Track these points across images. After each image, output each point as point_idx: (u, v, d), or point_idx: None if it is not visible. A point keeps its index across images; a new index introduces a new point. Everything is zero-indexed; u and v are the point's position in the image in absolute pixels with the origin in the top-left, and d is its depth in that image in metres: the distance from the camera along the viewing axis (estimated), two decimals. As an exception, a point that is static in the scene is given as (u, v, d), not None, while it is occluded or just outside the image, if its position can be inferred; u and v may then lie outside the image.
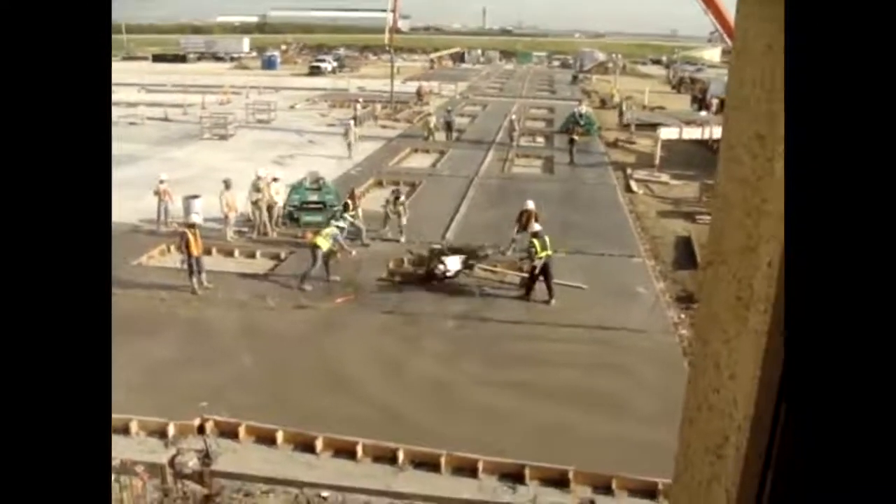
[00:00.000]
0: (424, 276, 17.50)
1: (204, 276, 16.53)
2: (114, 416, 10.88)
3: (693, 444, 1.39)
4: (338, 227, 17.88)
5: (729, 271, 1.26)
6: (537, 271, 16.35)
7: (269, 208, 20.92)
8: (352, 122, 35.62)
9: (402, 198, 21.16)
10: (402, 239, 20.05)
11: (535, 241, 16.41)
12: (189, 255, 16.37)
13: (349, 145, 33.02)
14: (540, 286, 16.45)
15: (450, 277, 17.30)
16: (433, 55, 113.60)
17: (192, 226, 16.79)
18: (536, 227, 17.06)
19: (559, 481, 9.92)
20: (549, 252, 16.38)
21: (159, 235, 20.45)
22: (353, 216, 19.51)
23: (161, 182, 21.15)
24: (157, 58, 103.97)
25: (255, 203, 20.66)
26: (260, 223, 20.78)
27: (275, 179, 21.62)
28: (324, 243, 17.03)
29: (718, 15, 32.46)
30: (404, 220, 20.38)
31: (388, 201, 20.92)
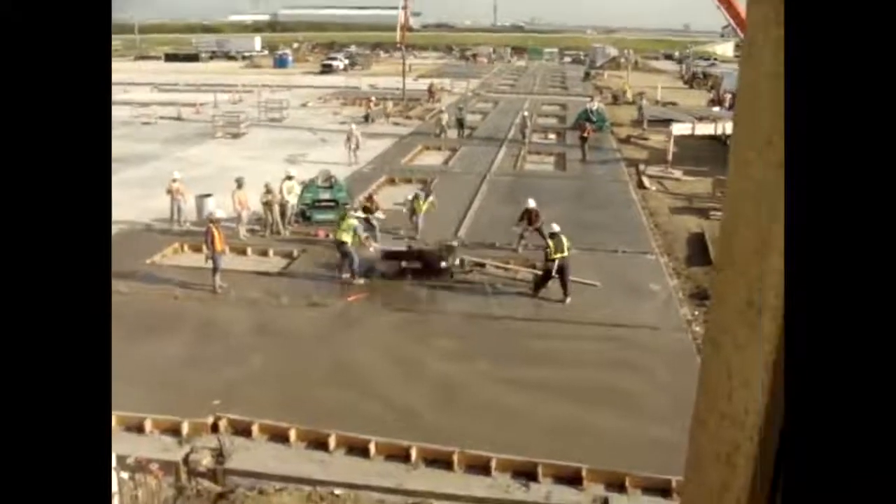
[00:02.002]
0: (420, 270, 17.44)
1: (218, 276, 16.50)
2: (128, 414, 10.94)
3: (704, 450, 1.37)
4: (356, 217, 17.90)
5: (739, 276, 1.23)
6: (554, 272, 16.19)
7: (282, 206, 20.93)
8: (353, 126, 33.21)
9: (432, 198, 21.15)
10: (417, 237, 20.04)
11: (550, 243, 16.32)
12: (213, 250, 16.39)
13: (351, 150, 30.91)
14: (554, 285, 16.36)
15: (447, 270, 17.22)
16: (468, 52, 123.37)
17: (216, 221, 16.80)
18: (555, 227, 16.83)
19: (572, 479, 9.90)
20: (565, 254, 16.22)
21: (172, 234, 20.53)
22: (374, 217, 19.69)
23: (174, 181, 21.18)
24: (170, 57, 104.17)
25: (266, 203, 20.64)
26: (272, 221, 20.78)
27: (289, 178, 21.63)
28: (346, 237, 17.05)
29: (731, 9, 32.28)
30: (420, 221, 20.36)
31: (415, 196, 21.05)
